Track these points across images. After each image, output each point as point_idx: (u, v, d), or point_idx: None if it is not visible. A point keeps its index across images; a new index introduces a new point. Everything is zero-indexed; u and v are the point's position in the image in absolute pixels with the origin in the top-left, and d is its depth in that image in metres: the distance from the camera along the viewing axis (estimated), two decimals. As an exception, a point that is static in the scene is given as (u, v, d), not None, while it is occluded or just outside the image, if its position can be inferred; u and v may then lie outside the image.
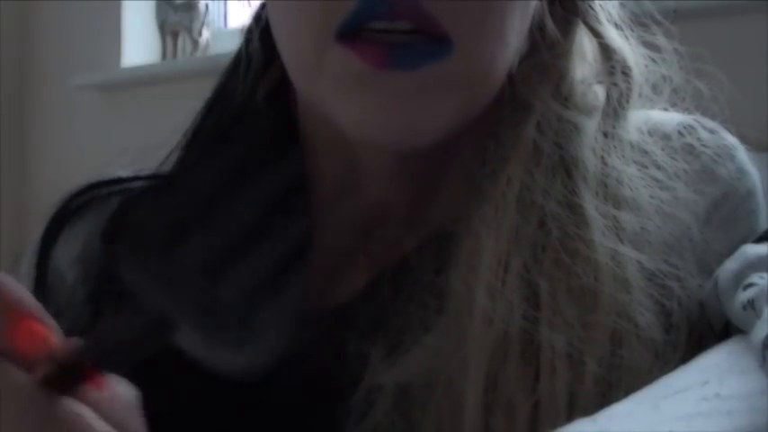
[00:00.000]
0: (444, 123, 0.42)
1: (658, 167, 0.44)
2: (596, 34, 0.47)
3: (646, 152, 0.45)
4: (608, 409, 0.35)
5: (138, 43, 1.97)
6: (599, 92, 0.46)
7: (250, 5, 0.53)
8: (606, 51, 0.47)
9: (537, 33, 0.45)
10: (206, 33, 1.89)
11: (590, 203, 0.42)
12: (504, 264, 0.40)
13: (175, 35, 1.89)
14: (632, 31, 0.48)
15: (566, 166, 0.43)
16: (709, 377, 0.35)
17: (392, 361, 0.40)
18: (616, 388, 0.37)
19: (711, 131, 0.47)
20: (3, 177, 1.91)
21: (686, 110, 0.48)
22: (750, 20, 0.96)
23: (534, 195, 0.42)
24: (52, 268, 0.49)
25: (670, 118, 0.47)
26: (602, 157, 0.44)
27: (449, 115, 0.42)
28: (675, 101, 0.48)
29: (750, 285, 0.38)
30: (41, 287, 0.48)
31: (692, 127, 0.47)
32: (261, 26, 0.49)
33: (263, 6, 0.50)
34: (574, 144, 0.43)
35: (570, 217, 0.41)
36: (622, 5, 0.49)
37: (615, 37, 0.47)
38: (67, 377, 0.27)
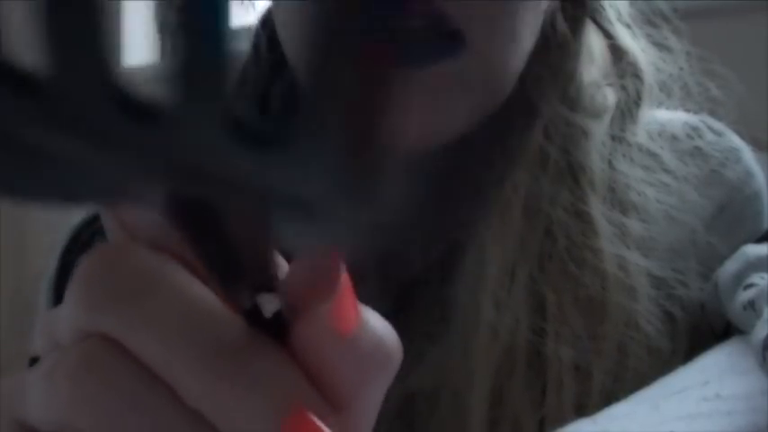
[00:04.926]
0: (458, 124, 0.41)
1: (666, 171, 0.45)
2: (607, 35, 0.46)
3: (654, 155, 0.45)
4: (608, 410, 0.36)
5: (138, 43, 1.97)
6: (608, 94, 0.45)
7: (253, 6, 0.53)
8: (617, 52, 0.46)
9: (549, 31, 0.44)
10: (206, 33, 1.90)
11: (597, 210, 0.42)
12: (511, 274, 0.41)
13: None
14: (641, 29, 0.48)
15: (573, 172, 0.43)
16: (710, 377, 0.36)
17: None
18: (621, 398, 0.37)
19: (718, 133, 0.47)
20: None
21: (695, 110, 0.48)
22: (751, 20, 0.96)
23: (540, 202, 0.42)
24: None
25: (676, 118, 0.48)
26: (610, 162, 0.44)
27: (463, 115, 0.41)
28: (685, 102, 0.48)
29: (750, 286, 0.38)
30: None
31: (698, 128, 0.47)
32: (268, 30, 0.48)
33: (268, 11, 0.50)
34: (581, 149, 0.43)
35: (577, 225, 0.41)
36: (631, 4, 0.49)
37: (626, 37, 0.47)
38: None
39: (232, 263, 0.18)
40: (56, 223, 0.52)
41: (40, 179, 0.15)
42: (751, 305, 0.38)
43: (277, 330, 0.19)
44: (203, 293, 0.19)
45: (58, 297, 0.50)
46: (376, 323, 0.20)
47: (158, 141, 0.14)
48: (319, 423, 0.18)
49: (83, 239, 0.50)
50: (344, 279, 0.19)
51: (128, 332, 0.18)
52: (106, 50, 0.13)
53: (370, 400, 0.20)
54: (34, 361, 0.53)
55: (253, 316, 0.19)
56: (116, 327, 0.18)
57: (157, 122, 0.14)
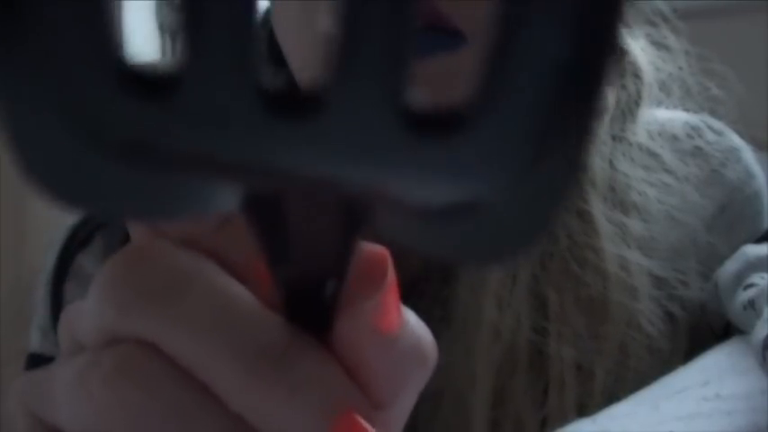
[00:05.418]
0: None
1: (667, 171, 0.45)
2: None
3: (654, 155, 0.45)
4: (608, 410, 0.36)
5: (138, 43, 1.97)
6: (608, 93, 0.45)
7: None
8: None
9: None
10: (206, 33, 1.90)
11: (598, 210, 0.42)
12: (512, 273, 0.40)
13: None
14: (640, 29, 0.48)
15: None
16: (710, 377, 0.36)
17: None
18: (622, 398, 0.38)
19: (718, 133, 0.47)
20: (2, 177, 1.91)
21: (695, 110, 0.48)
22: (751, 20, 0.96)
23: None
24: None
25: (676, 118, 0.48)
26: (611, 162, 0.43)
27: None
28: (685, 101, 0.48)
29: (750, 286, 0.38)
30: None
31: (699, 128, 0.47)
32: (266, 31, 0.48)
33: (267, 11, 0.49)
34: None
35: (579, 224, 0.41)
36: (630, 4, 0.48)
37: (625, 36, 0.46)
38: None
39: (293, 250, 0.17)
40: (55, 221, 0.52)
41: (152, 195, 0.14)
42: (751, 305, 0.38)
43: (317, 326, 0.18)
44: (240, 292, 0.18)
45: (55, 294, 0.50)
46: (415, 323, 0.19)
47: (315, 134, 0.12)
48: (366, 424, 0.18)
49: (80, 237, 0.50)
50: (391, 277, 0.19)
51: (163, 334, 0.18)
52: (248, 35, 0.12)
53: (407, 400, 0.20)
54: (32, 357, 0.53)
55: (294, 309, 0.18)
56: (150, 329, 0.18)
57: (313, 115, 0.12)
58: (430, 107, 0.13)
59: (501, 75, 0.12)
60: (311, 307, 0.18)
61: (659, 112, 0.48)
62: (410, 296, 0.42)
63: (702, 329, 0.43)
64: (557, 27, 0.12)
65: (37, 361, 0.51)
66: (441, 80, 0.39)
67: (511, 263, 0.15)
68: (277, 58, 0.47)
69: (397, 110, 0.12)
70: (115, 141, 0.13)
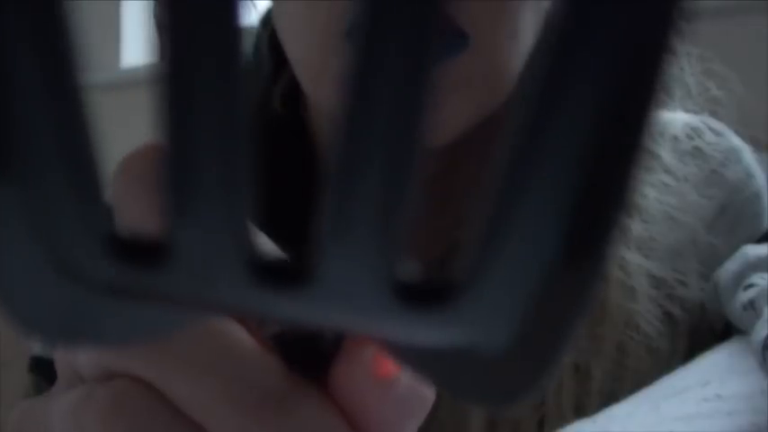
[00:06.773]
0: (461, 123, 0.40)
1: (667, 171, 0.45)
2: None
3: (654, 155, 0.45)
4: (608, 410, 0.36)
5: (138, 43, 1.97)
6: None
7: (253, 6, 0.53)
8: None
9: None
10: (206, 33, 1.90)
11: None
12: None
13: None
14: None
15: None
16: (710, 378, 0.36)
17: None
18: (621, 398, 0.37)
19: (718, 134, 0.47)
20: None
21: (695, 110, 0.48)
22: (751, 20, 0.96)
23: None
24: None
25: (676, 119, 0.48)
26: None
27: (466, 114, 0.41)
28: (685, 102, 0.48)
29: (750, 286, 0.38)
30: None
31: (699, 129, 0.47)
32: (269, 31, 0.48)
33: (269, 11, 0.49)
34: None
35: None
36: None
37: None
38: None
39: None
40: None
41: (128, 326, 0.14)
42: (751, 305, 0.38)
43: (316, 371, 0.19)
44: (240, 335, 0.18)
45: None
46: None
47: (304, 300, 0.13)
48: None
49: None
50: None
51: (159, 374, 0.18)
52: (242, 212, 0.12)
53: None
54: (35, 360, 0.53)
55: (292, 355, 0.18)
56: (146, 368, 0.18)
57: (303, 284, 0.12)
58: (422, 278, 0.13)
59: (496, 242, 0.12)
60: (310, 353, 0.18)
61: (660, 113, 0.48)
62: None
63: (702, 330, 0.43)
64: (557, 203, 0.12)
65: (39, 364, 0.51)
66: (447, 85, 0.38)
67: (511, 405, 0.15)
68: (278, 59, 0.47)
69: (388, 281, 0.12)
70: (102, 290, 0.13)
